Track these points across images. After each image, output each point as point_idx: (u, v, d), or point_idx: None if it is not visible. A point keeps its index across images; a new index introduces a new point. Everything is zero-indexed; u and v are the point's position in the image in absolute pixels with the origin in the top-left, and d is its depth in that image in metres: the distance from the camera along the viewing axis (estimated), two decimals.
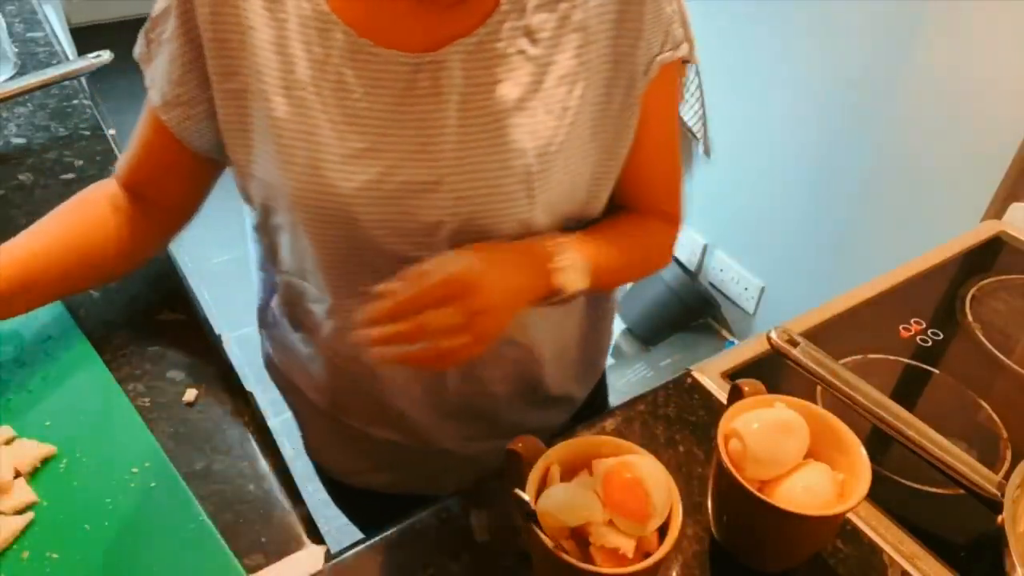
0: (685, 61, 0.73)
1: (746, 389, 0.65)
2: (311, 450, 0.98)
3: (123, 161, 0.79)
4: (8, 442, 0.68)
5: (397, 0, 0.65)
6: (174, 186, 0.79)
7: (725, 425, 0.61)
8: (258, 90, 0.66)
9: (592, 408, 0.94)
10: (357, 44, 0.65)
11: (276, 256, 0.78)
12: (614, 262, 0.75)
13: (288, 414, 0.98)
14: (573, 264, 0.69)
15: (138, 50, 0.72)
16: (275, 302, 0.84)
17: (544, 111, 0.68)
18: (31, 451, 0.67)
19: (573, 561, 0.52)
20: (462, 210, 0.68)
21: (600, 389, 0.98)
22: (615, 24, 0.67)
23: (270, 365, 0.93)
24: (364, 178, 0.66)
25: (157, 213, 0.79)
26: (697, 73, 2.06)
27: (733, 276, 2.19)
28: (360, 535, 0.67)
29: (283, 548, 0.64)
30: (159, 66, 0.70)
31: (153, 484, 0.66)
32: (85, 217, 0.76)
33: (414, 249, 0.69)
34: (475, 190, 0.68)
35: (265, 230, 0.76)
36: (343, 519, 1.07)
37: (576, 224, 0.75)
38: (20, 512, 0.63)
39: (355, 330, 0.61)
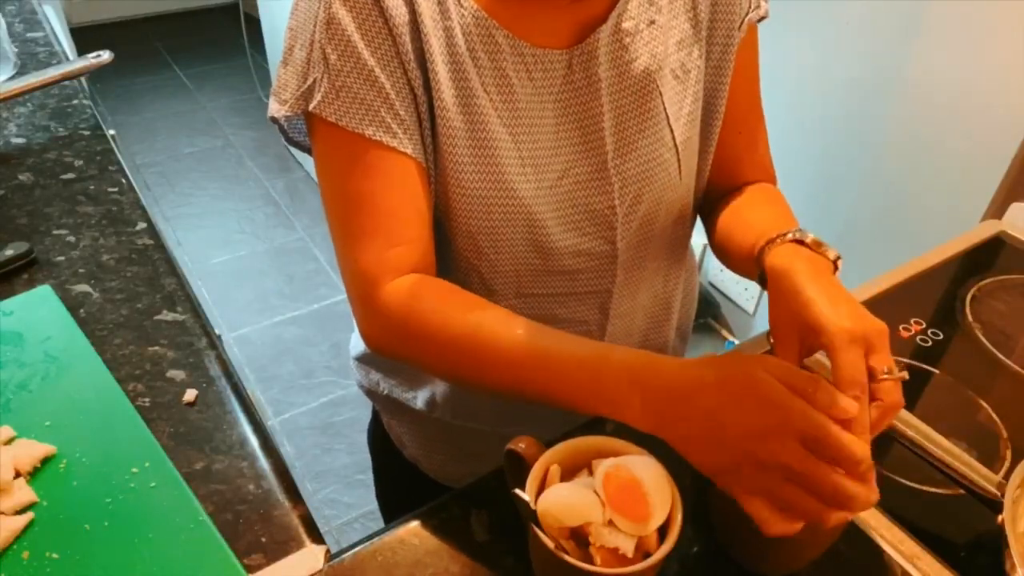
0: (760, 19, 0.76)
1: None
2: (413, 456, 0.94)
3: (375, 253, 0.65)
4: (8, 442, 0.68)
5: None
6: (429, 235, 0.69)
7: None
8: (439, 101, 0.64)
9: None
10: (517, 46, 0.65)
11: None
12: None
13: (288, 414, 0.98)
14: None
15: (324, 106, 0.63)
16: None
17: (672, 77, 0.71)
18: (31, 451, 0.67)
19: (573, 561, 0.52)
20: (628, 193, 0.71)
21: None
22: None
23: (372, 393, 0.92)
24: (537, 178, 0.68)
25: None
26: None
27: (733, 276, 2.19)
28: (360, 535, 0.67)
29: (283, 548, 0.64)
30: (376, 101, 0.63)
31: (153, 484, 0.66)
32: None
33: (590, 242, 0.72)
34: (636, 169, 0.71)
35: None
36: (343, 519, 1.07)
37: (701, 180, 0.80)
38: (20, 512, 0.63)
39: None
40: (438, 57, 0.63)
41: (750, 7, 0.74)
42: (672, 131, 0.72)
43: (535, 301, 0.75)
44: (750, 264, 0.70)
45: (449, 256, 0.73)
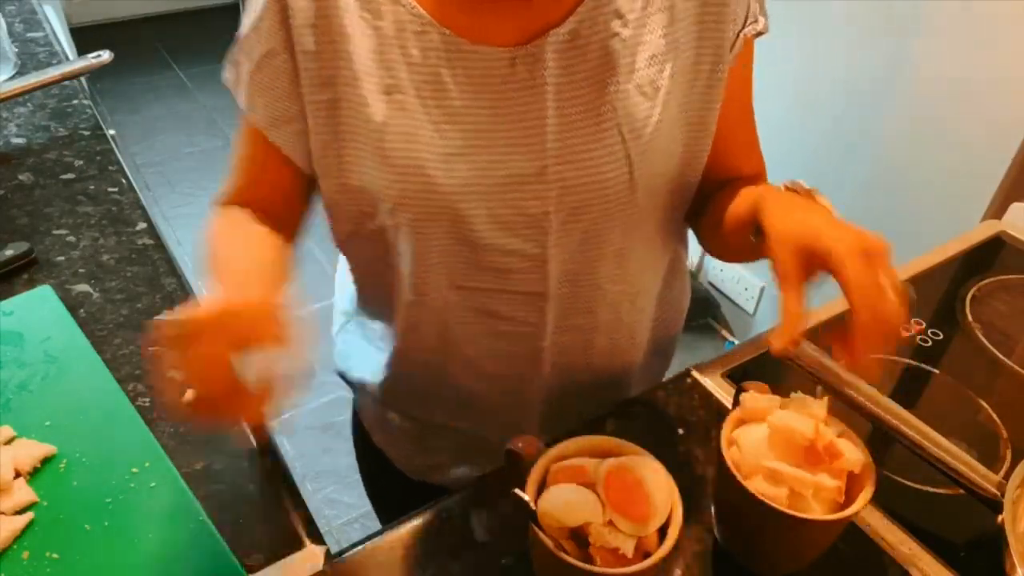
0: (759, 34, 0.73)
1: (752, 391, 0.64)
2: (380, 447, 0.97)
3: (229, 187, 0.77)
4: (8, 442, 0.68)
5: None
6: (283, 207, 0.77)
7: (728, 428, 0.61)
8: (355, 97, 0.66)
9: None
10: (453, 43, 0.66)
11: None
12: None
13: (288, 414, 1.00)
14: None
15: (228, 75, 0.72)
16: (352, 307, 0.90)
17: (638, 93, 0.69)
18: (31, 451, 0.67)
19: (573, 561, 0.52)
20: (568, 200, 0.70)
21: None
22: (700, 2, 0.68)
23: (344, 377, 0.96)
24: (466, 173, 0.67)
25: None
26: None
27: (733, 276, 2.19)
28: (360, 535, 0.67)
29: (283, 548, 0.64)
30: (259, 85, 0.69)
31: (153, 484, 0.66)
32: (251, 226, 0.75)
33: (520, 243, 0.71)
34: (578, 178, 0.69)
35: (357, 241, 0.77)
36: (343, 519, 1.08)
37: (675, 208, 0.79)
38: (20, 512, 0.63)
39: None
40: (364, 54, 0.65)
41: (745, 23, 0.71)
42: (627, 147, 0.69)
43: (470, 295, 0.75)
44: (746, 226, 0.68)
45: (383, 248, 0.74)
